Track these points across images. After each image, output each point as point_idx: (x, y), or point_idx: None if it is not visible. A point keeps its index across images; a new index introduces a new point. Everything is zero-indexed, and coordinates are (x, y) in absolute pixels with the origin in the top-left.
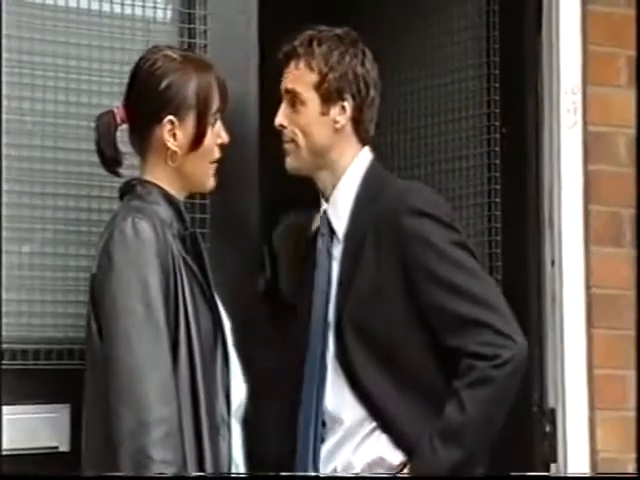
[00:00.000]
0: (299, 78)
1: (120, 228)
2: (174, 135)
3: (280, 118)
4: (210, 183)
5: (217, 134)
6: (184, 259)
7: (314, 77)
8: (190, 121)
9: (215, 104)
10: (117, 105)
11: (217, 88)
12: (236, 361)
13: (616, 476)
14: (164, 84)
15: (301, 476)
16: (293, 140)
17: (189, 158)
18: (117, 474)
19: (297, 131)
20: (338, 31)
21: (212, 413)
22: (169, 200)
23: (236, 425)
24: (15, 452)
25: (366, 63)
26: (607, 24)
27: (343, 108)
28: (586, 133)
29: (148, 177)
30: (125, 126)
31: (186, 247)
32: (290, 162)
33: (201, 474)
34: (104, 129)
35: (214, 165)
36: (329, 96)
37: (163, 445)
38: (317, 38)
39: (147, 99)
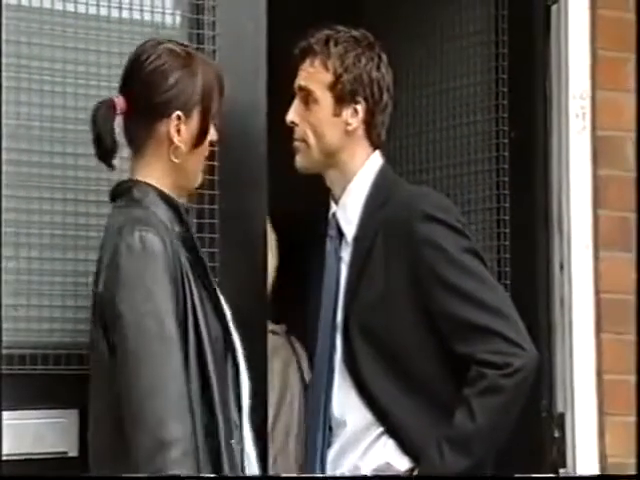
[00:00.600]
0: (313, 76)
1: (127, 242)
2: (179, 131)
3: (292, 115)
4: (199, 179)
5: (211, 134)
6: (191, 265)
7: (329, 77)
8: (195, 117)
9: (216, 105)
10: (116, 95)
11: (219, 92)
12: (243, 364)
13: (617, 476)
14: (172, 80)
15: (301, 477)
16: (304, 139)
17: (191, 155)
18: (117, 475)
19: (308, 130)
20: (355, 33)
21: (227, 420)
22: (167, 201)
23: (247, 427)
24: (23, 457)
25: (381, 67)
26: (616, 29)
27: (355, 111)
28: (595, 138)
29: (141, 175)
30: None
31: (188, 250)
32: (300, 161)
33: (201, 475)
34: (102, 119)
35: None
36: (342, 97)
37: (181, 465)
38: (334, 38)
39: (154, 94)
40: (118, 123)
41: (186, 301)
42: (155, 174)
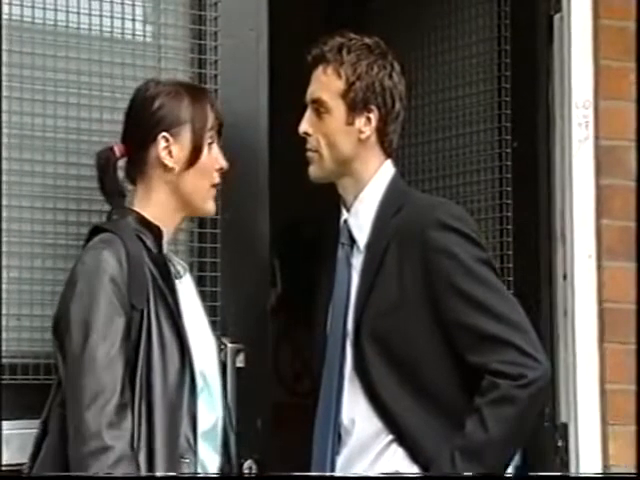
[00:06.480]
0: (326, 85)
1: (82, 260)
2: (170, 152)
3: (305, 126)
4: (211, 206)
5: (215, 159)
6: (158, 286)
7: (341, 85)
8: (186, 136)
9: (210, 121)
10: (115, 141)
11: (211, 110)
12: (216, 381)
13: (617, 476)
14: (156, 104)
15: (301, 477)
16: (317, 149)
17: (188, 175)
18: (115, 475)
19: (321, 140)
20: (368, 41)
21: (174, 440)
22: (146, 225)
23: (205, 447)
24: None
25: (394, 76)
26: (619, 38)
27: (368, 119)
28: (598, 147)
29: (137, 205)
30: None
31: (159, 271)
32: (314, 171)
33: (203, 475)
34: (104, 164)
35: (214, 189)
36: (355, 105)
37: (115, 469)
38: (347, 46)
39: (141, 121)
40: (122, 167)
41: (142, 318)
42: (154, 202)
